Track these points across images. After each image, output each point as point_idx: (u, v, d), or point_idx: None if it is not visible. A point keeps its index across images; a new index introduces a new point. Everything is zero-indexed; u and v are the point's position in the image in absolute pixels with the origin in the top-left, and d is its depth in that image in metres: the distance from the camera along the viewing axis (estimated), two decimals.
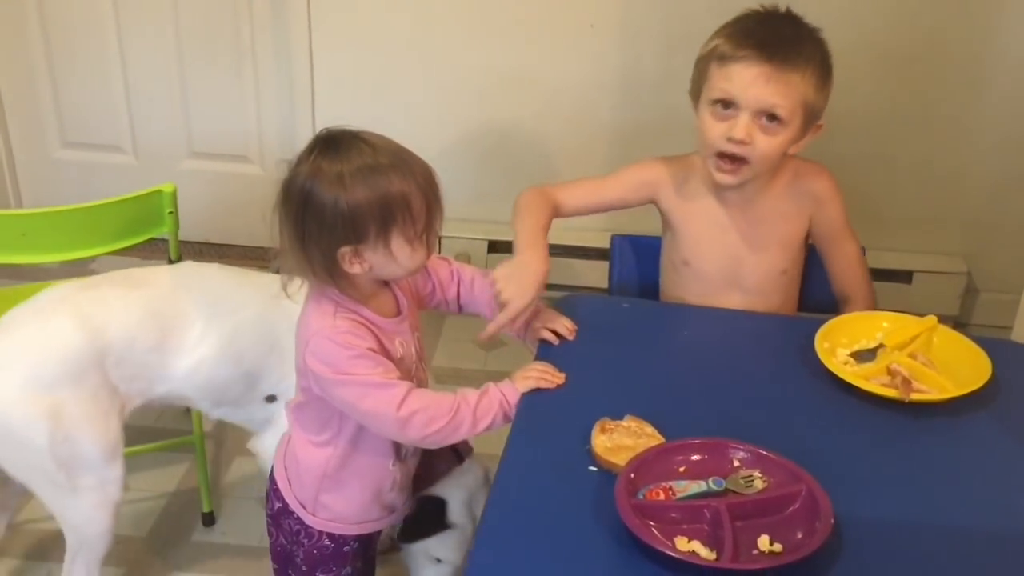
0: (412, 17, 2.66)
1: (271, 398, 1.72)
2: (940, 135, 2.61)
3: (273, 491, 1.50)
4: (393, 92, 2.75)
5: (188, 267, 1.78)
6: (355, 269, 1.30)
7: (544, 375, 1.38)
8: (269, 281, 1.68)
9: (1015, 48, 2.48)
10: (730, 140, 1.51)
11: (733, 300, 1.64)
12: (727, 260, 1.64)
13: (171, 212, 1.88)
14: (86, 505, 1.60)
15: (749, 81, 1.48)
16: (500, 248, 2.80)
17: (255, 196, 3.02)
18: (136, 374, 1.62)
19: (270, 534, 1.54)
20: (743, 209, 1.62)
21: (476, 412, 1.34)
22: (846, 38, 2.50)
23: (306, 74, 2.75)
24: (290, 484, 1.47)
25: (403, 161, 1.30)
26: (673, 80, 2.56)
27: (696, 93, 1.57)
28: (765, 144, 1.50)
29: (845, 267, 1.67)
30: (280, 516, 1.50)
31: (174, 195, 1.87)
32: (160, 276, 1.71)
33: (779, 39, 1.49)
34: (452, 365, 2.56)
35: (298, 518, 1.47)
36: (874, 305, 1.63)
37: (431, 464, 1.56)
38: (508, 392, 1.36)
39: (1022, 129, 2.52)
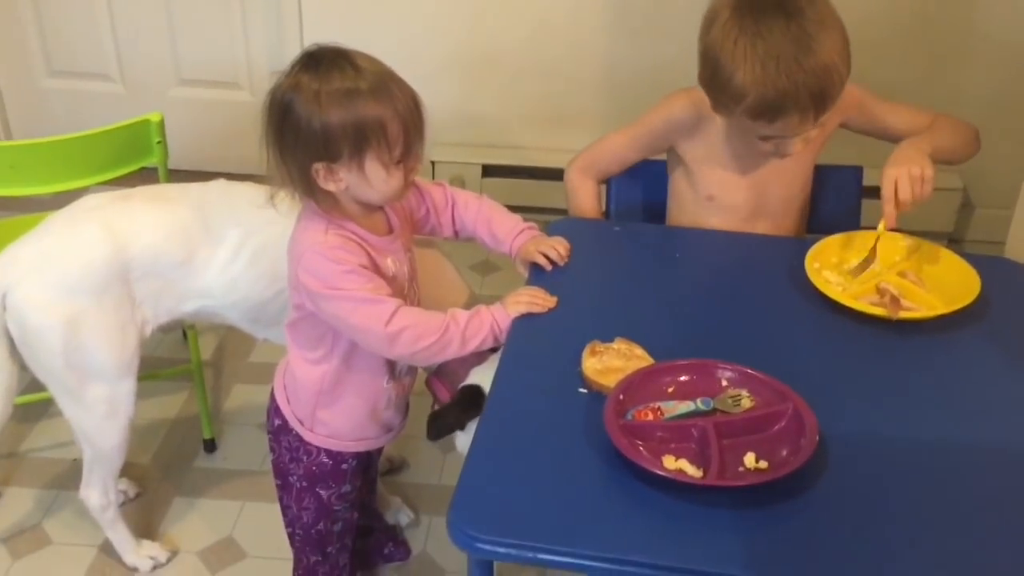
0: None
1: None
2: (937, 51, 2.57)
3: (273, 409, 1.52)
4: (383, 14, 2.70)
5: (220, 184, 1.76)
6: (330, 186, 1.31)
7: (535, 299, 1.38)
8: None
9: None
10: (779, 155, 1.51)
11: (757, 228, 1.63)
12: (754, 192, 1.62)
13: (159, 141, 1.87)
14: (97, 416, 1.65)
15: (796, 126, 1.43)
16: (494, 172, 2.79)
17: (245, 123, 3.01)
18: (163, 289, 1.63)
19: (272, 451, 1.57)
20: None
21: (465, 332, 1.35)
22: None
23: (295, 4, 2.70)
24: (288, 401, 1.49)
25: (384, 86, 1.28)
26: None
27: (714, 101, 1.49)
28: (812, 134, 1.50)
29: (901, 121, 1.63)
30: (280, 433, 1.52)
31: (161, 124, 1.86)
32: (191, 193, 1.70)
33: (813, 80, 1.38)
34: None
35: (297, 435, 1.50)
36: (954, 119, 1.61)
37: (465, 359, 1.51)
38: (499, 315, 1.37)
39: (1018, 45, 2.48)
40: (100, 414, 1.65)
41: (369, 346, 1.38)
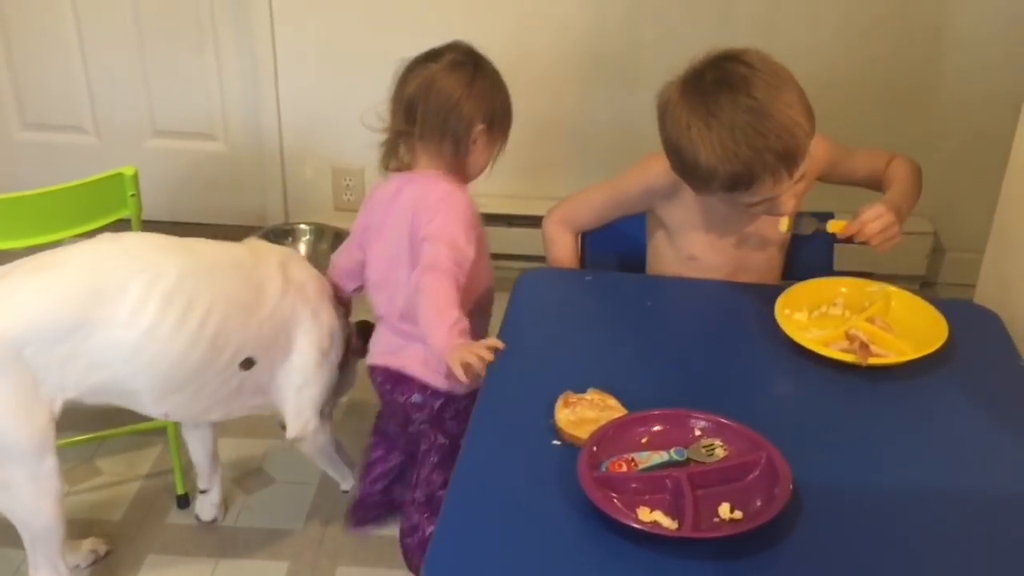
0: None
1: (248, 362, 1.67)
2: (904, 98, 2.62)
3: (427, 397, 1.60)
4: (358, 66, 2.73)
5: (107, 237, 1.66)
6: (475, 146, 1.60)
7: (480, 358, 1.37)
8: (208, 245, 1.72)
9: (977, 8, 2.49)
10: (775, 215, 1.53)
11: (739, 278, 1.63)
12: (736, 251, 1.63)
13: (133, 195, 1.86)
14: (25, 499, 1.57)
15: (773, 188, 1.44)
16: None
17: (221, 173, 3.03)
18: (65, 360, 1.52)
19: (433, 438, 1.63)
20: None
21: (438, 331, 1.44)
22: (809, 8, 2.53)
23: (268, 49, 2.72)
24: (436, 370, 1.57)
25: None
26: (638, 47, 2.58)
27: (689, 185, 1.50)
28: (800, 188, 1.52)
29: (864, 165, 1.67)
30: (444, 409, 1.61)
31: (135, 177, 1.86)
32: (73, 252, 1.60)
33: (776, 142, 1.39)
34: None
35: (460, 396, 1.58)
36: (905, 159, 1.65)
37: None
38: (442, 352, 1.43)
39: (984, 90, 2.53)
40: (27, 496, 1.57)
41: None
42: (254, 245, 1.80)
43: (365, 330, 1.86)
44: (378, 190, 1.68)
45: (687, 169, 1.45)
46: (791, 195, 1.49)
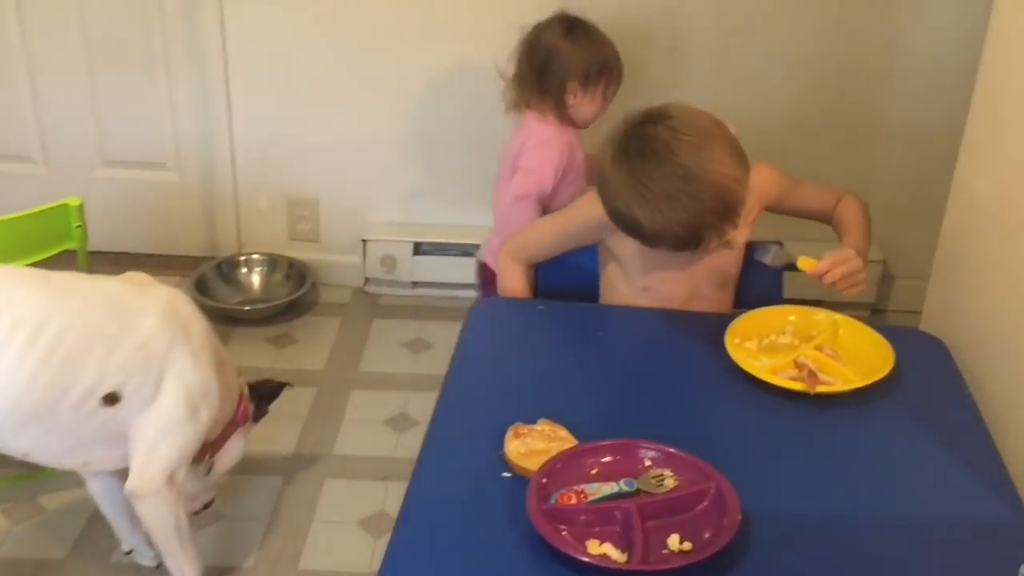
0: (329, 16, 2.63)
1: (111, 397, 1.56)
2: (853, 129, 2.67)
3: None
4: (312, 95, 2.72)
5: None
6: (571, 101, 2.01)
7: None
8: (73, 276, 1.63)
9: (919, 38, 2.55)
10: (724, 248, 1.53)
11: (691, 307, 1.64)
12: (689, 280, 1.63)
13: (79, 226, 1.84)
14: None
15: (716, 240, 1.45)
16: (426, 250, 2.79)
17: (173, 204, 2.98)
18: None
19: None
20: None
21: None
22: (755, 40, 2.58)
23: (221, 78, 2.70)
24: None
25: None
26: None
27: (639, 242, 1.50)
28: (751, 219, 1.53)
29: (813, 200, 1.69)
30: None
31: (81, 208, 1.83)
32: None
33: (713, 202, 1.39)
34: (379, 369, 2.54)
35: None
36: (856, 197, 1.66)
37: None
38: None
39: (928, 119, 2.58)
40: None
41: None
42: (135, 278, 1.70)
43: (265, 393, 1.80)
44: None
45: (634, 233, 1.46)
46: (741, 232, 1.49)
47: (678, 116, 1.42)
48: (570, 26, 2.05)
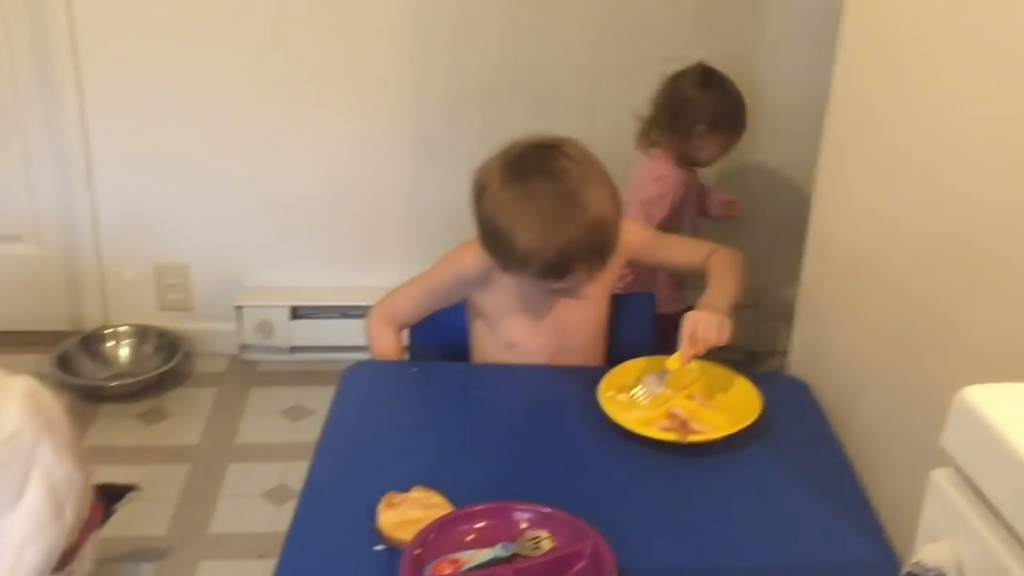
0: (192, 79, 2.57)
1: None
2: (716, 178, 2.75)
3: None
4: (178, 158, 2.65)
5: None
6: (701, 141, 2.25)
7: None
8: None
9: (778, 84, 2.65)
10: (574, 297, 1.54)
11: (561, 361, 1.64)
12: (555, 334, 1.63)
13: None
14: None
15: (584, 278, 1.47)
16: (303, 314, 2.73)
17: (33, 277, 2.84)
18: None
19: None
20: None
21: None
22: (626, 95, 2.65)
23: (80, 143, 2.61)
24: None
25: None
26: (464, 132, 2.62)
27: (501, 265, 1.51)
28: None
29: (680, 255, 1.72)
30: None
31: None
32: None
33: (590, 235, 1.42)
34: (257, 440, 2.45)
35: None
36: (725, 252, 1.68)
37: None
38: None
39: (792, 162, 2.68)
40: None
41: None
42: None
43: (110, 495, 1.71)
44: None
45: (503, 251, 1.46)
46: (594, 284, 1.51)
47: (575, 148, 1.48)
48: (706, 77, 2.27)
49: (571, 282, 1.47)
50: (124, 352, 2.72)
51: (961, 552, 0.72)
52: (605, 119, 2.60)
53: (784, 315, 2.54)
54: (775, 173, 2.75)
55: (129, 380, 2.59)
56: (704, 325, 1.49)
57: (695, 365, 1.56)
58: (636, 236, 1.65)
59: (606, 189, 1.47)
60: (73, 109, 2.57)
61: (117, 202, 2.68)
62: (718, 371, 1.54)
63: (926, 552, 0.74)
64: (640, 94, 2.64)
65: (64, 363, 2.58)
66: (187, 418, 2.51)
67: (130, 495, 1.80)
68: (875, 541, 1.24)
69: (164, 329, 2.73)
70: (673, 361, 1.49)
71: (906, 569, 0.73)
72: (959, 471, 0.74)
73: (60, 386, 2.55)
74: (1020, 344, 1.14)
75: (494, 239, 1.46)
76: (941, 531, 0.74)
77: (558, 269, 1.43)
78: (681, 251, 1.74)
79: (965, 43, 1.26)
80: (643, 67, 2.60)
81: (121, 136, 2.62)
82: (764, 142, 2.71)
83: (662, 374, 1.53)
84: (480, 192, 1.48)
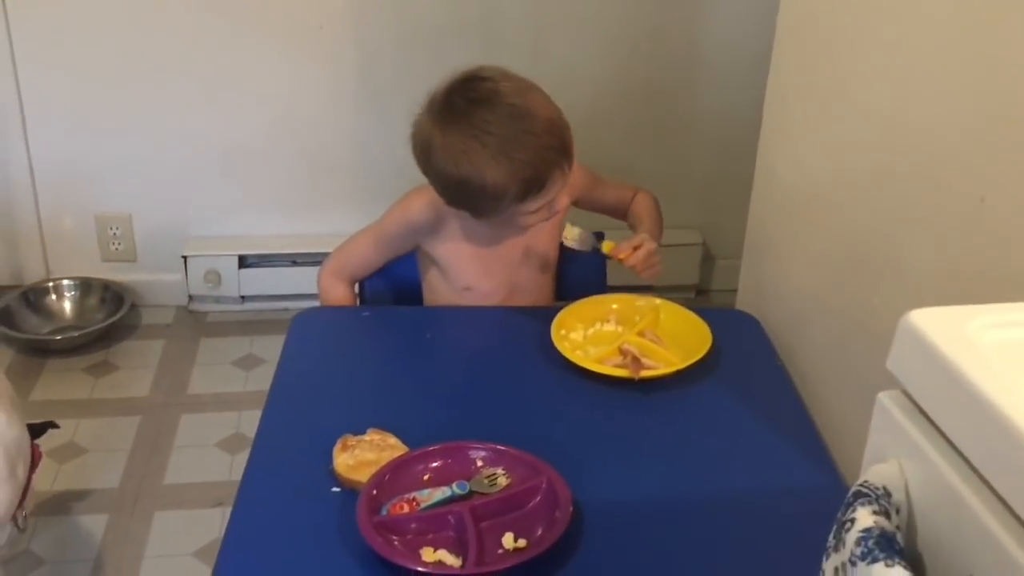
0: (125, 24, 2.49)
1: None
2: (665, 118, 2.75)
3: None
4: (115, 106, 2.57)
5: None
6: None
7: None
8: None
9: (722, 27, 2.65)
10: (550, 217, 1.55)
11: (513, 302, 1.64)
12: (507, 275, 1.63)
13: None
14: None
15: (560, 182, 1.47)
16: (251, 263, 2.70)
17: None
18: None
19: None
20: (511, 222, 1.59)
21: None
22: (573, 36, 2.62)
23: (13, 95, 2.52)
24: None
25: None
26: (411, 76, 2.58)
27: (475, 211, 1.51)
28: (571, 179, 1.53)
29: (613, 195, 1.75)
30: None
31: None
32: None
33: (550, 137, 1.43)
34: (209, 390, 2.43)
35: None
36: (647, 193, 1.74)
37: None
38: None
39: (736, 102, 2.68)
40: None
41: None
42: None
43: (31, 432, 1.66)
44: None
45: (475, 195, 1.44)
46: (563, 194, 1.51)
47: (492, 69, 1.46)
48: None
49: (550, 192, 1.46)
50: (68, 305, 2.67)
51: (907, 471, 0.74)
52: (552, 63, 2.59)
53: (734, 254, 2.58)
54: (715, 115, 2.75)
55: (75, 333, 2.54)
56: (649, 242, 1.55)
57: (645, 302, 1.57)
58: (579, 176, 1.64)
59: (540, 93, 1.47)
60: (5, 60, 2.48)
61: (53, 153, 2.60)
62: (669, 307, 1.56)
63: (873, 472, 0.75)
64: (586, 36, 2.63)
65: (6, 318, 2.52)
66: (136, 370, 2.48)
67: (50, 430, 1.77)
68: (823, 467, 1.27)
69: (108, 281, 2.67)
70: (608, 244, 1.55)
71: (853, 488, 0.75)
72: (905, 393, 0.75)
73: (4, 341, 2.50)
74: (961, 270, 1.16)
75: (462, 188, 1.44)
76: (887, 452, 0.76)
77: (535, 183, 1.43)
78: (614, 192, 1.76)
79: None
80: (590, 7, 2.59)
81: (54, 86, 2.53)
82: (713, 85, 2.71)
83: (598, 234, 1.59)
84: (426, 152, 1.46)
